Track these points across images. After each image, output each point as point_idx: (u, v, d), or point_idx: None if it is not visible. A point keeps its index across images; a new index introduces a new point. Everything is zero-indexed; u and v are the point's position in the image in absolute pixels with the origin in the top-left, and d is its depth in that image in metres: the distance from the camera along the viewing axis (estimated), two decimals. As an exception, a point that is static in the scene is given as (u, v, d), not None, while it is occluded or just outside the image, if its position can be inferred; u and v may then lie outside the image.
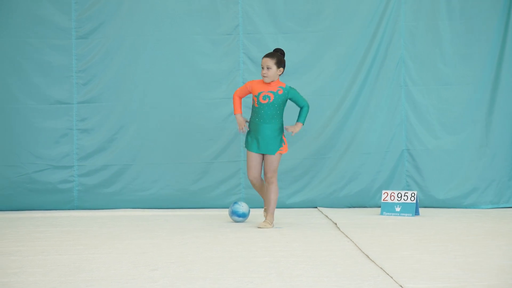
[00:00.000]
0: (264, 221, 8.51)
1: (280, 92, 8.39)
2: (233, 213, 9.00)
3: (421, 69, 10.60)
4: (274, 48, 8.64)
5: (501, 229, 8.36)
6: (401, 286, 5.34)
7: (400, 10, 10.57)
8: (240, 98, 8.55)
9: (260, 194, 8.84)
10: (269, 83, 8.39)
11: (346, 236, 7.81)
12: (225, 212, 9.86)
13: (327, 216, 9.53)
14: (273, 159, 8.45)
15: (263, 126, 8.40)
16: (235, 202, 9.08)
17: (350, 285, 5.37)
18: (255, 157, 8.50)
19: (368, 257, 6.51)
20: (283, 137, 8.51)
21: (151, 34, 10.56)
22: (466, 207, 10.47)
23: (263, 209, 9.10)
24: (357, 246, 7.12)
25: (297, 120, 8.58)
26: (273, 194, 8.51)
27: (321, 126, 10.60)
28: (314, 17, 10.63)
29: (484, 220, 9.20)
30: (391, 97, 10.62)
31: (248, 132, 8.52)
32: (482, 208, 10.42)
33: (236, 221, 9.02)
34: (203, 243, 7.35)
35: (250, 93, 8.49)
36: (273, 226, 8.52)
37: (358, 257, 6.55)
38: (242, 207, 8.97)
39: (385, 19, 10.56)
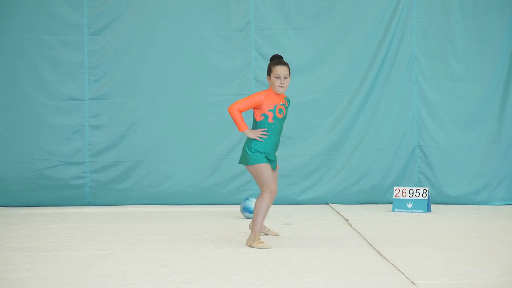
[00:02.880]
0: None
1: (287, 104, 7.28)
2: (245, 210, 9.01)
3: (433, 66, 10.57)
4: (272, 56, 7.27)
5: (513, 226, 8.35)
6: (412, 282, 5.33)
7: (412, 6, 10.54)
8: (241, 112, 7.10)
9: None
10: (278, 95, 7.19)
11: (358, 232, 7.81)
12: (237, 208, 9.87)
13: (338, 213, 9.52)
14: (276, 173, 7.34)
15: (277, 145, 7.22)
16: (247, 199, 9.08)
17: (362, 281, 5.37)
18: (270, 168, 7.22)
19: (379, 253, 6.50)
20: None
21: (162, 30, 10.57)
22: (478, 204, 10.44)
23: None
24: (368, 242, 7.11)
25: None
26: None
27: (332, 123, 10.59)
28: (325, 14, 10.62)
29: (496, 216, 9.17)
30: (403, 93, 10.60)
31: (258, 151, 7.10)
32: (494, 205, 10.39)
33: (247, 218, 9.02)
34: (214, 239, 7.36)
35: (254, 107, 7.12)
36: (254, 245, 7.02)
37: (369, 253, 6.54)
38: (253, 203, 8.97)
39: (397, 15, 10.54)
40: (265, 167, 7.07)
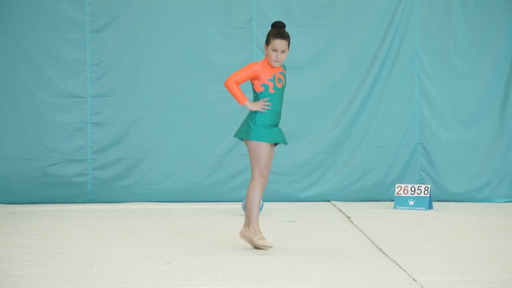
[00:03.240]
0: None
1: (285, 72, 6.89)
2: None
3: (435, 63, 10.57)
4: (272, 23, 6.81)
5: (515, 223, 8.35)
6: (414, 279, 5.34)
7: (413, 4, 10.53)
8: (238, 84, 6.77)
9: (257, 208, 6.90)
10: None
11: (359, 229, 7.81)
12: (239, 205, 9.87)
13: (340, 210, 9.52)
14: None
15: (279, 116, 6.82)
16: (248, 196, 9.07)
17: (363, 279, 5.38)
18: (270, 150, 6.84)
19: (381, 250, 6.50)
20: None
21: (164, 28, 10.57)
22: (480, 201, 10.44)
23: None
24: (370, 239, 7.11)
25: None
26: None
27: (334, 120, 10.59)
28: (327, 11, 10.61)
29: (498, 214, 9.17)
30: (405, 91, 10.59)
31: (259, 124, 6.74)
32: (496, 202, 10.39)
33: (249, 215, 9.01)
34: (216, 236, 7.37)
35: (251, 78, 6.78)
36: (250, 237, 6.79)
37: (371, 250, 6.55)
38: (255, 200, 8.96)
39: (398, 13, 10.53)
40: (265, 150, 6.72)
